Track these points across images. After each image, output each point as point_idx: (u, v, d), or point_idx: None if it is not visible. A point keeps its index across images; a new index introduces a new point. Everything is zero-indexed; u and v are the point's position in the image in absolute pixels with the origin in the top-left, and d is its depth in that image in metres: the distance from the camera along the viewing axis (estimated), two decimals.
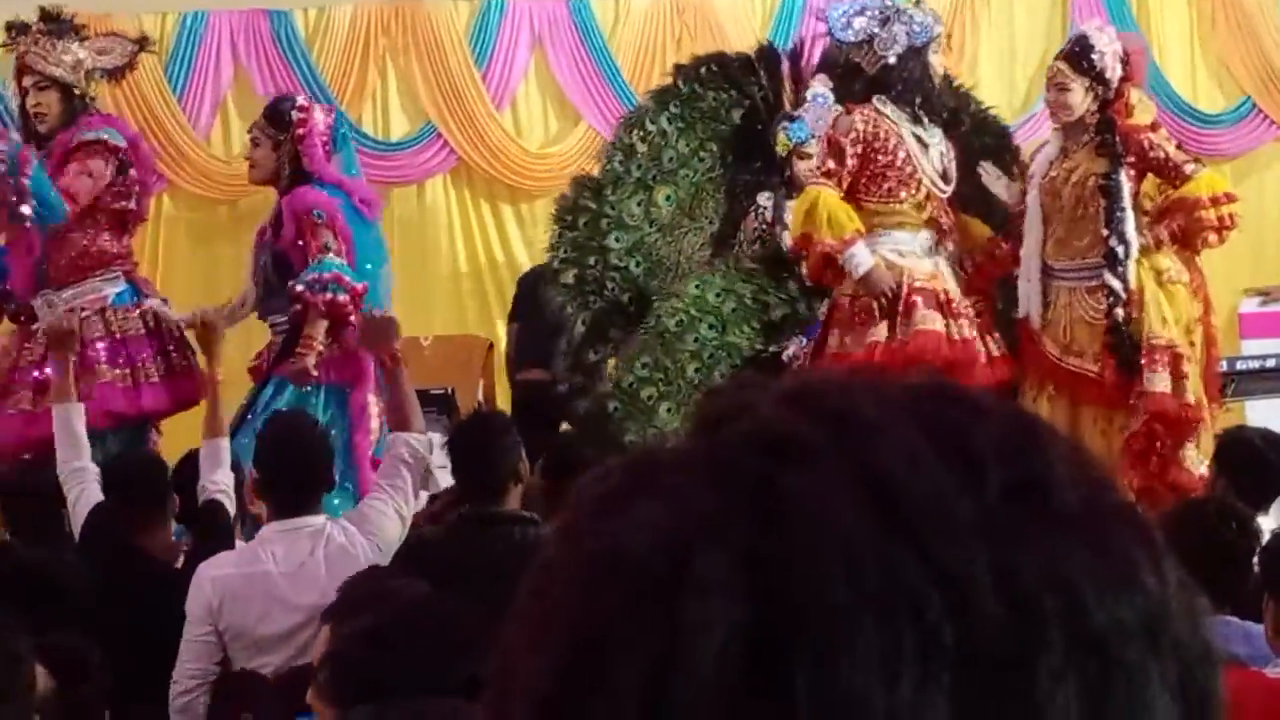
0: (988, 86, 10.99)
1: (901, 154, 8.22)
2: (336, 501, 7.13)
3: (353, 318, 7.98)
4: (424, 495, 6.50)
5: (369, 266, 8.38)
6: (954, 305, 8.15)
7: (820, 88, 8.97)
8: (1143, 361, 7.89)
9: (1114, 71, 8.17)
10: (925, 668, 0.77)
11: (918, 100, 8.29)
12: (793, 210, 8.51)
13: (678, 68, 9.56)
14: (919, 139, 8.27)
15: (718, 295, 8.95)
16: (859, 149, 8.21)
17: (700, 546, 0.80)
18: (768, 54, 9.38)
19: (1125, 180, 8.09)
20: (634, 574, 0.81)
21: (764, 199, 9.13)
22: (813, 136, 8.91)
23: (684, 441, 0.86)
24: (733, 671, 0.78)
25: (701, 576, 0.79)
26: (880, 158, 8.24)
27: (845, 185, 8.21)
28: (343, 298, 8.04)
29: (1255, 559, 4.92)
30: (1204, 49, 11.37)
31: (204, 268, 11.57)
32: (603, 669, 0.80)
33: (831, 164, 8.25)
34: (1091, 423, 8.09)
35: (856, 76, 8.44)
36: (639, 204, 9.74)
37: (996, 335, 8.34)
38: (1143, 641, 0.81)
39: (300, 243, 8.14)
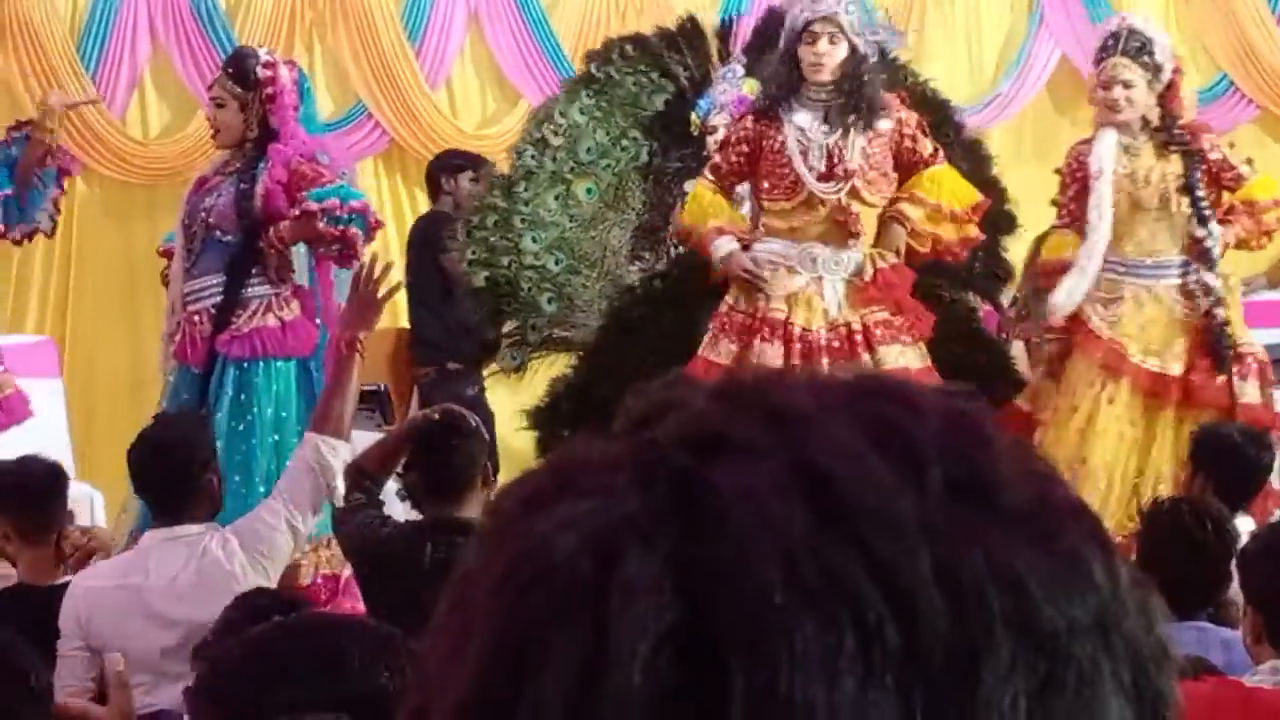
0: (950, 67, 11.03)
1: (786, 155, 8.21)
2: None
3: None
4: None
5: None
6: (813, 339, 8.12)
7: (735, 64, 8.98)
8: (1234, 369, 8.04)
9: (1168, 69, 8.25)
10: (868, 668, 0.78)
11: (789, 95, 8.27)
12: None
13: (589, 54, 9.57)
14: (801, 132, 8.23)
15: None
16: (744, 147, 8.19)
17: (628, 547, 0.81)
18: (691, 31, 9.33)
19: (1200, 178, 8.19)
20: (559, 577, 0.81)
21: (689, 186, 9.11)
22: (715, 109, 8.92)
23: (610, 440, 0.87)
24: (664, 677, 0.79)
25: (630, 579, 0.80)
26: (768, 158, 8.22)
27: (724, 176, 8.25)
28: (356, 231, 8.00)
29: (1233, 561, 4.92)
30: (1180, 25, 11.39)
31: (121, 253, 11.55)
32: (527, 676, 0.81)
33: (717, 156, 8.34)
34: (1171, 423, 8.15)
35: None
36: (556, 198, 9.75)
37: (916, 348, 8.30)
38: (1094, 639, 0.82)
39: (278, 200, 8.02)
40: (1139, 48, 8.33)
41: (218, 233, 8.12)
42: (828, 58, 8.25)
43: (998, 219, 9.13)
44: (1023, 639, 0.80)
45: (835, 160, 8.14)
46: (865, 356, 8.03)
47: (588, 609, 0.80)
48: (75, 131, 11.46)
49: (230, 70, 8.36)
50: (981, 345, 8.97)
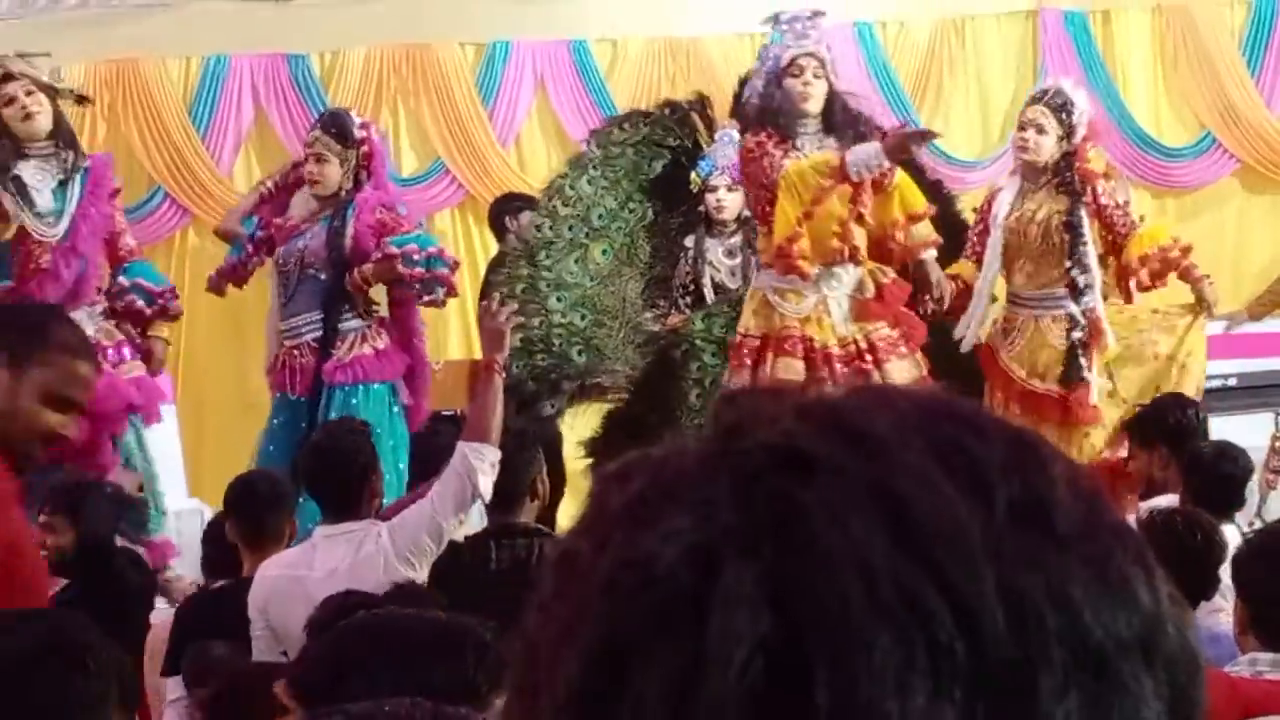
0: (960, 125, 11.00)
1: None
2: None
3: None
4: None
5: None
6: (827, 350, 8.05)
7: (729, 129, 8.98)
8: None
9: (1081, 130, 8.26)
10: (937, 682, 0.78)
11: (786, 121, 8.21)
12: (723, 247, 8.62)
13: (591, 133, 9.60)
14: (799, 152, 8.16)
15: (721, 327, 8.85)
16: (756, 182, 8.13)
17: (726, 560, 0.80)
18: (675, 107, 9.42)
19: (1085, 216, 8.18)
20: (662, 585, 0.81)
21: (689, 241, 9.18)
22: (716, 170, 8.94)
23: (702, 445, 0.86)
24: (755, 681, 0.78)
25: (728, 590, 0.79)
26: (764, 191, 8.10)
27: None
28: (444, 271, 8.05)
29: (1222, 566, 4.96)
30: (1167, 85, 11.35)
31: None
32: (631, 674, 0.80)
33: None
34: (1054, 438, 8.06)
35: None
36: (576, 261, 9.75)
37: (914, 358, 8.24)
38: (1138, 656, 0.81)
39: (365, 242, 8.04)
40: (1060, 105, 8.37)
41: (311, 270, 8.13)
42: (814, 89, 8.21)
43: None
44: (1075, 657, 0.80)
45: None
46: (874, 372, 7.98)
47: (688, 618, 0.80)
48: (187, 187, 11.52)
49: (331, 129, 8.35)
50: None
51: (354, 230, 8.06)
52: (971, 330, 8.36)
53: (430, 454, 6.73)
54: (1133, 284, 8.30)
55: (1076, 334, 8.21)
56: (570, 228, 9.65)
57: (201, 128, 11.68)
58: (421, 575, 5.58)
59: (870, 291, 8.17)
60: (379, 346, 8.18)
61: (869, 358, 8.04)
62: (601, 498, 0.87)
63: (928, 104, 11.01)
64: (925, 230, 8.26)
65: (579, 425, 10.08)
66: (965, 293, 8.40)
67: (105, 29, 11.04)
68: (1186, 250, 8.32)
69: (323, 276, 8.12)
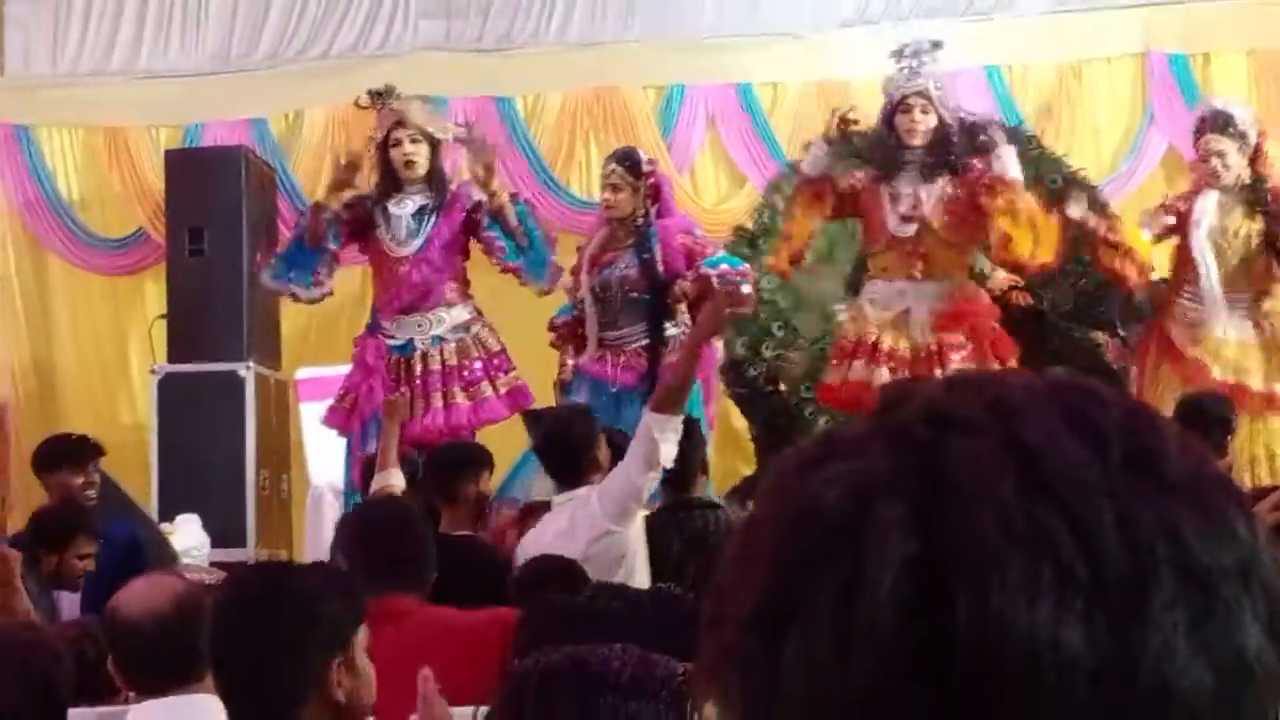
0: (1076, 154, 10.95)
1: (879, 207, 8.16)
2: None
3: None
4: None
5: None
6: (896, 356, 8.02)
7: None
8: None
9: (1253, 135, 8.14)
10: (1061, 595, 0.79)
11: (894, 156, 8.20)
12: None
13: (808, 144, 9.63)
14: (893, 188, 8.16)
15: None
16: (849, 190, 8.18)
17: (879, 497, 0.82)
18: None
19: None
20: (827, 518, 0.82)
21: None
22: None
23: (866, 420, 0.88)
24: (904, 595, 0.79)
25: (880, 521, 0.81)
26: (867, 213, 8.19)
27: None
28: (746, 290, 8.25)
29: None
30: (1260, 119, 11.22)
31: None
32: (803, 592, 0.82)
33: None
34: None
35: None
36: None
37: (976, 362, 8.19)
38: (1237, 580, 0.82)
39: (678, 264, 8.24)
40: (1224, 123, 8.26)
41: (634, 294, 8.32)
42: (920, 125, 8.19)
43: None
44: (1182, 578, 0.80)
45: (915, 206, 8.09)
46: (940, 370, 7.89)
47: (848, 544, 0.81)
48: None
49: (625, 162, 8.52)
50: (1101, 372, 8.82)
51: (663, 257, 8.25)
52: (1213, 324, 8.20)
53: None
54: None
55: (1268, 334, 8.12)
56: (782, 220, 9.78)
57: None
58: (627, 530, 5.66)
59: (950, 304, 8.14)
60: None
61: (935, 358, 7.99)
62: (779, 466, 0.89)
63: (1048, 136, 11.00)
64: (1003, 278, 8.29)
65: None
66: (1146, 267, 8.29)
67: (345, 77, 11.21)
68: None
69: (644, 298, 8.31)
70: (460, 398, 8.21)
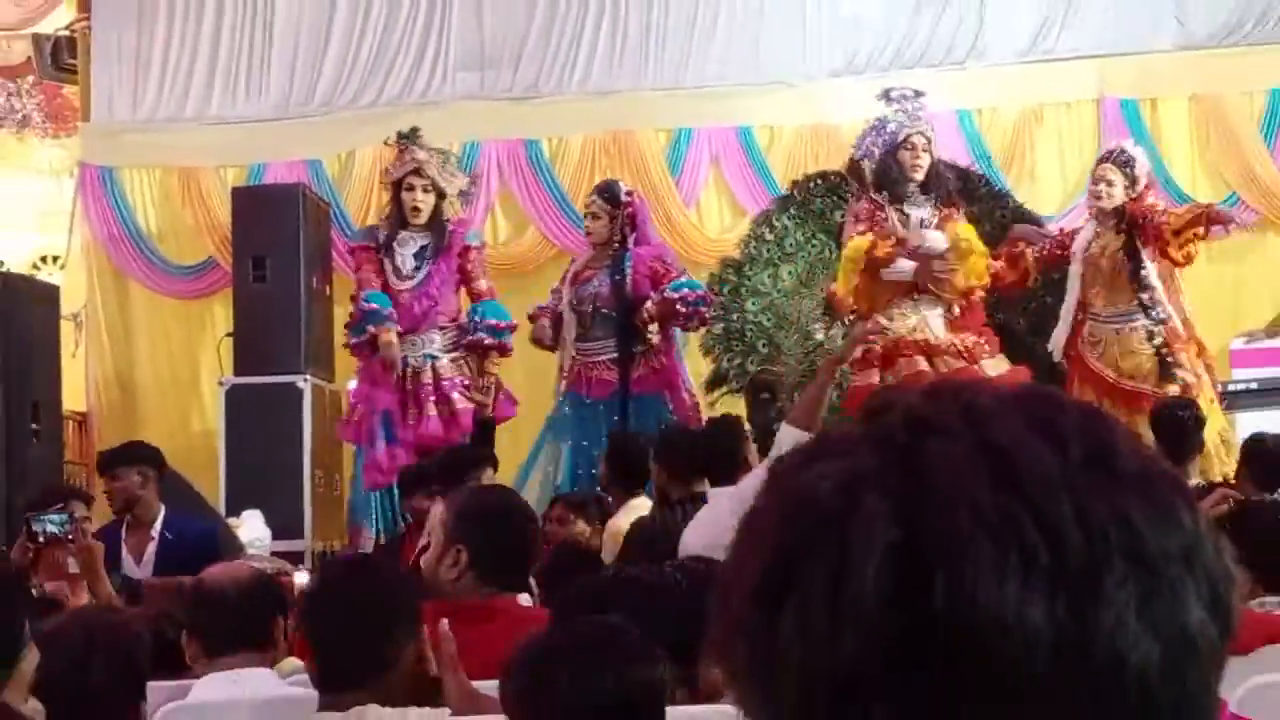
0: (1037, 190, 10.98)
1: (888, 230, 8.19)
2: None
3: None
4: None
5: None
6: (939, 347, 8.06)
7: None
8: None
9: (1143, 180, 8.20)
10: (1026, 577, 0.79)
11: (890, 188, 8.25)
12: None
13: (793, 183, 9.66)
14: (902, 213, 8.21)
15: None
16: (863, 226, 8.20)
17: (866, 491, 0.82)
18: (856, 168, 9.43)
19: (1140, 246, 8.10)
20: (820, 508, 0.83)
21: None
22: None
23: (854, 425, 0.88)
24: (887, 578, 0.80)
25: (867, 511, 0.81)
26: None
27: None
28: (706, 311, 8.24)
29: None
30: (1200, 155, 11.26)
31: None
32: (797, 571, 0.82)
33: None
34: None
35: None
36: (769, 276, 9.92)
37: (1000, 358, 8.26)
38: (1182, 564, 0.82)
39: (644, 287, 8.28)
40: (1124, 161, 8.32)
41: (604, 310, 8.33)
42: (921, 161, 8.26)
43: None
44: (1132, 562, 0.81)
45: (916, 247, 8.17)
46: (975, 367, 8.00)
47: (838, 533, 0.81)
48: None
49: (605, 195, 8.57)
50: (1057, 380, 8.81)
51: (632, 280, 8.26)
52: (1058, 345, 8.31)
53: None
54: (1178, 254, 8.22)
55: (1156, 341, 8.12)
56: (768, 249, 9.84)
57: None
58: None
59: (955, 313, 8.25)
60: (659, 365, 8.36)
61: (966, 354, 8.08)
62: (778, 464, 0.89)
63: (1013, 173, 11.02)
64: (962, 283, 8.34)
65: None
66: (1026, 275, 8.45)
67: (391, 122, 11.20)
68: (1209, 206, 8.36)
69: (614, 314, 8.32)
70: (444, 409, 8.23)
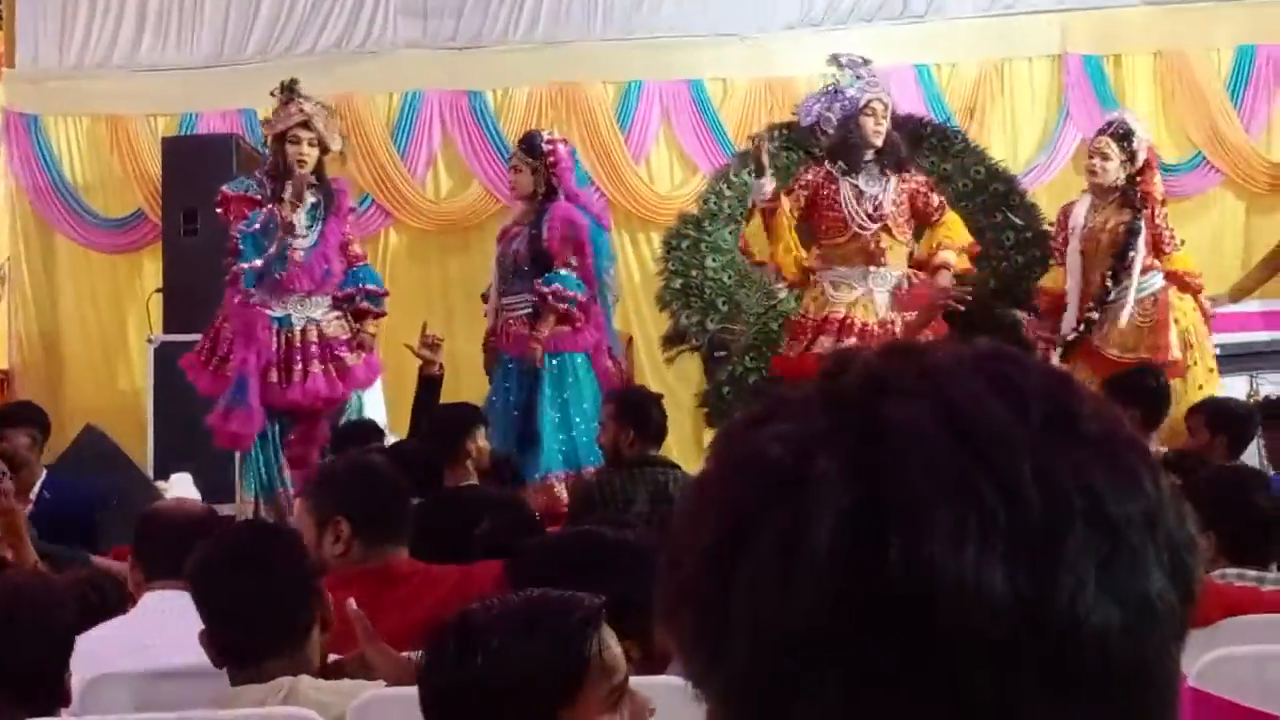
0: (998, 146, 11.00)
1: (839, 203, 8.20)
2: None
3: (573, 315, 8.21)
4: None
5: (605, 264, 8.51)
6: (871, 330, 8.07)
7: None
8: None
9: (1142, 156, 8.20)
10: (984, 540, 0.79)
11: (851, 157, 8.25)
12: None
13: (753, 136, 9.61)
14: (854, 186, 8.21)
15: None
16: (805, 193, 8.20)
17: (820, 452, 0.82)
18: (815, 130, 9.46)
19: (1144, 226, 8.13)
20: (773, 469, 0.83)
21: None
22: None
23: (807, 386, 0.88)
24: (841, 539, 0.80)
25: (820, 472, 0.81)
26: (824, 207, 8.21)
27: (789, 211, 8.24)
28: (574, 310, 8.19)
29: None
30: (1166, 114, 11.30)
31: (420, 284, 11.69)
32: (749, 534, 0.82)
33: (785, 198, 8.32)
34: None
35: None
36: (730, 233, 9.90)
37: None
38: (1143, 529, 0.82)
39: (555, 246, 8.24)
40: (1122, 134, 8.31)
41: (523, 267, 8.31)
42: (881, 128, 8.27)
43: (1046, 256, 9.17)
44: (1093, 526, 0.80)
45: (875, 207, 8.16)
46: None
47: (792, 492, 0.81)
48: (389, 195, 11.69)
49: (524, 146, 8.54)
50: (1018, 345, 8.85)
51: (546, 237, 8.24)
52: (1067, 323, 8.31)
53: None
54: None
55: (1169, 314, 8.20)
56: (729, 205, 9.81)
57: (401, 148, 11.85)
58: None
59: (906, 286, 8.26)
60: (575, 325, 8.32)
61: (899, 333, 8.06)
62: (729, 425, 0.88)
63: (972, 130, 11.03)
64: (948, 256, 8.32)
65: (685, 373, 10.29)
66: (1059, 297, 8.44)
67: (329, 72, 11.21)
68: (1199, 287, 8.44)
69: (528, 269, 8.30)
70: (329, 369, 8.16)
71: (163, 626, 3.60)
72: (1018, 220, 10.00)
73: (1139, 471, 0.84)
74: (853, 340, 7.97)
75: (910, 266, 8.42)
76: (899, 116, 9.45)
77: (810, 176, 8.34)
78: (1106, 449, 0.83)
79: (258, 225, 7.94)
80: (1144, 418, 6.79)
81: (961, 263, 8.42)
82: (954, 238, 8.42)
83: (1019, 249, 9.84)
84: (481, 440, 6.78)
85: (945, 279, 8.24)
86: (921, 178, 8.57)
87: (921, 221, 8.47)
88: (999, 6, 11.55)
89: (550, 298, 8.17)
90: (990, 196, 10.05)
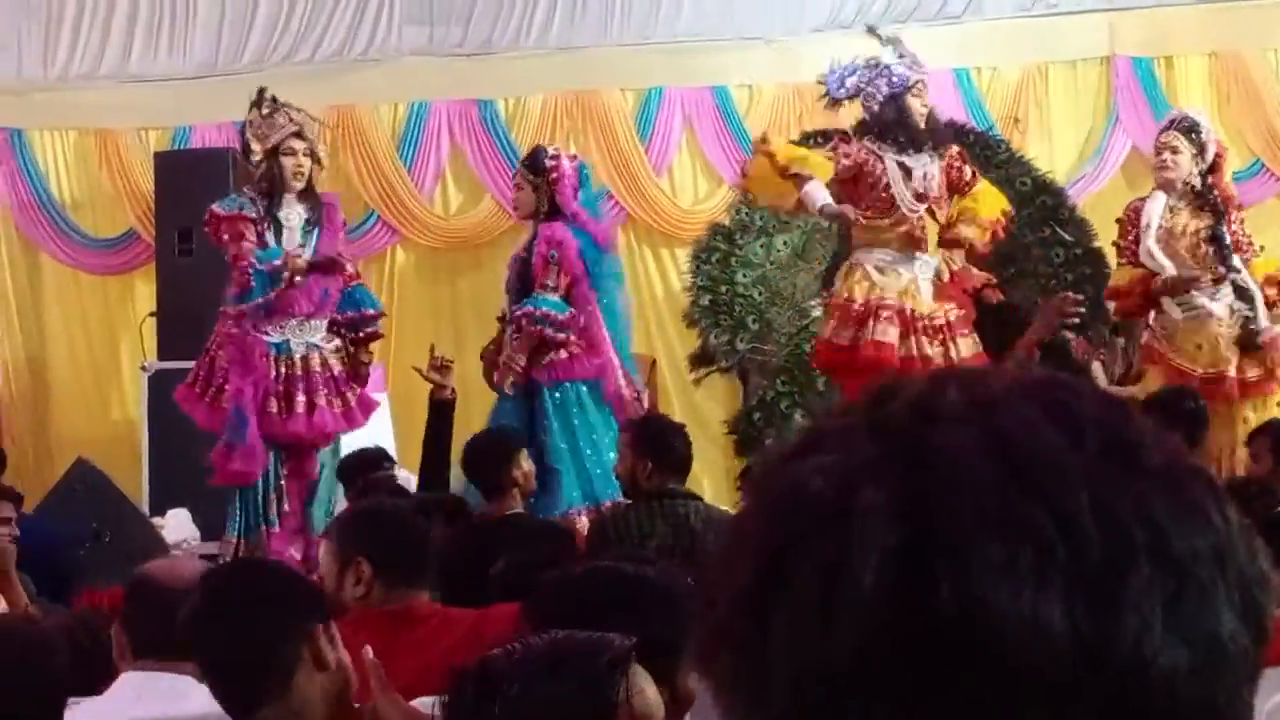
0: (1042, 155, 10.98)
1: (885, 182, 8.12)
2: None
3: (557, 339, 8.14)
4: None
5: (609, 284, 8.45)
6: (917, 322, 8.02)
7: None
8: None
9: (1211, 149, 8.21)
10: (1041, 577, 0.79)
11: (901, 135, 8.20)
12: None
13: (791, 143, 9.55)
14: (902, 165, 8.16)
15: None
16: (849, 162, 8.08)
17: (865, 484, 0.82)
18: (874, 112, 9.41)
19: (1226, 232, 8.14)
20: (815, 504, 0.83)
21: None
22: None
23: (850, 414, 0.88)
24: (887, 578, 0.80)
25: (865, 506, 0.81)
26: (868, 185, 8.07)
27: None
28: (548, 331, 8.16)
29: None
30: (1222, 119, 11.20)
31: (429, 304, 11.71)
32: (790, 572, 0.82)
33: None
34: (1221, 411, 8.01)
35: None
36: (761, 246, 9.92)
37: (974, 338, 8.15)
38: (1212, 565, 0.82)
39: (537, 268, 8.23)
40: (1188, 127, 8.34)
41: (517, 289, 8.34)
42: (927, 108, 8.27)
43: (1100, 277, 9.15)
44: (1158, 562, 0.80)
45: (924, 189, 8.15)
46: (950, 345, 7.96)
47: (835, 527, 0.81)
48: (396, 211, 11.69)
49: (527, 162, 8.54)
50: (1068, 367, 8.76)
51: (534, 262, 8.26)
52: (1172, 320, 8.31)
53: None
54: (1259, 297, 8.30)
55: (1253, 326, 8.17)
56: (761, 218, 9.79)
57: (408, 161, 11.83)
58: None
59: (945, 276, 8.23)
60: (573, 352, 8.31)
61: (946, 332, 8.04)
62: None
63: (1015, 137, 11.03)
64: (970, 232, 8.24)
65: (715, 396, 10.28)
66: (1129, 295, 8.40)
67: (330, 81, 11.25)
68: None
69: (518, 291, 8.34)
70: (333, 403, 8.16)
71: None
72: (1067, 236, 10.01)
73: (1205, 504, 0.84)
74: (893, 331, 7.90)
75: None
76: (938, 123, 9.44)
77: (854, 150, 8.24)
78: (1169, 480, 0.83)
79: (278, 262, 7.97)
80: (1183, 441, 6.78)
81: (982, 238, 8.29)
82: (978, 210, 8.29)
83: (1068, 267, 9.84)
84: (526, 464, 6.81)
85: (958, 256, 8.18)
86: (955, 148, 8.48)
87: (955, 193, 8.39)
88: (1041, 6, 11.52)
89: (523, 320, 8.17)
90: (1037, 210, 10.07)
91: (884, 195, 8.11)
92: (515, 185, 8.58)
